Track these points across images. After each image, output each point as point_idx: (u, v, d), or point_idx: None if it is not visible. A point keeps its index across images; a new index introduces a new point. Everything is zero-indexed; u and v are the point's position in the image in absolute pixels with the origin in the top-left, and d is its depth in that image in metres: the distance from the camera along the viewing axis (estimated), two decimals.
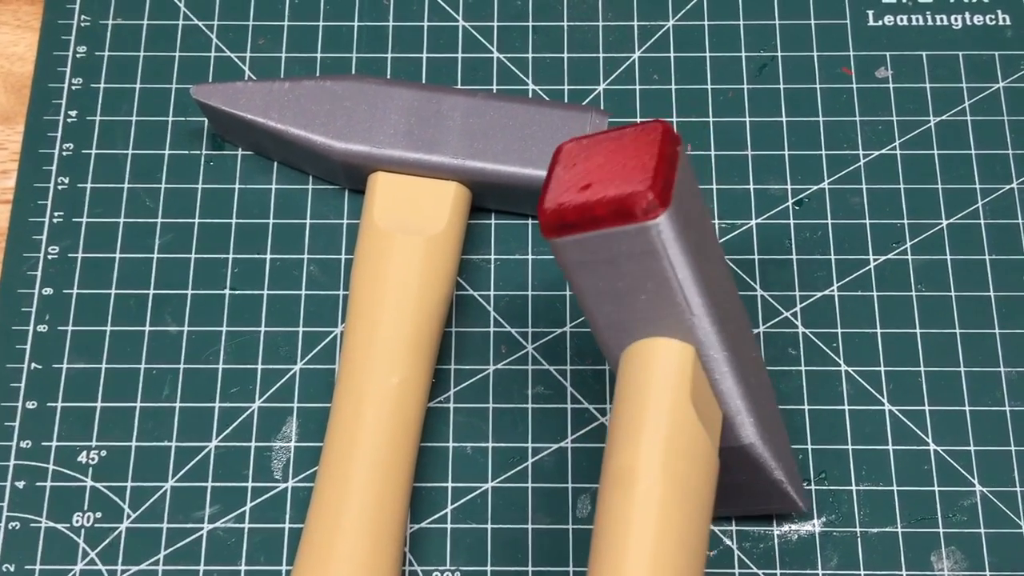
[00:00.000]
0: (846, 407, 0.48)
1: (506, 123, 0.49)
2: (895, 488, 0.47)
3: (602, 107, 0.53)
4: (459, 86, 0.54)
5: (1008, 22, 0.55)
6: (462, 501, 0.47)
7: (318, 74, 0.54)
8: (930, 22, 0.55)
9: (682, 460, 0.37)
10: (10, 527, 0.47)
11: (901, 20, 0.55)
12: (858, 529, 0.47)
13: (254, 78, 0.54)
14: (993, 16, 0.55)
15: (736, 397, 0.41)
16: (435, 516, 0.47)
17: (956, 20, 0.55)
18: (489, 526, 0.47)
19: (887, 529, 0.47)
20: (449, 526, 0.47)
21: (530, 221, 0.52)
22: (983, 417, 0.48)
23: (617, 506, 0.37)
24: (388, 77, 0.54)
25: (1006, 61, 0.54)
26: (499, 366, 0.50)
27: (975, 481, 0.47)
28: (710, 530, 0.40)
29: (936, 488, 0.47)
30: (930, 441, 0.48)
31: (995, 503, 0.47)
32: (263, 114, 0.49)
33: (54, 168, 0.53)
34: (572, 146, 0.39)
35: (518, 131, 0.49)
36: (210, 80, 0.54)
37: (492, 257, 0.51)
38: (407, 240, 0.47)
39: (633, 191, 0.35)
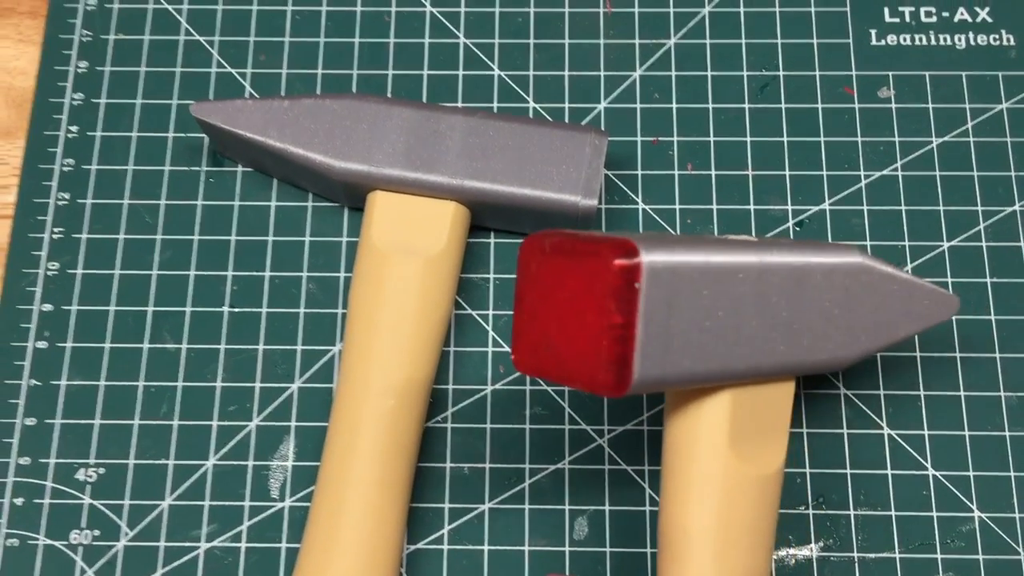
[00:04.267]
0: (845, 431, 0.48)
1: (505, 143, 0.49)
2: (893, 513, 0.47)
3: (602, 126, 0.53)
4: (460, 103, 0.54)
5: (1012, 42, 0.54)
6: (459, 522, 0.47)
7: (319, 90, 0.54)
8: (933, 42, 0.55)
9: (728, 508, 0.38)
10: (8, 544, 0.47)
11: (904, 40, 0.55)
12: (856, 554, 0.46)
13: (255, 94, 0.54)
14: (997, 36, 0.55)
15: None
16: (432, 537, 0.47)
17: (959, 40, 0.55)
18: (486, 547, 0.47)
19: (885, 554, 0.46)
20: (446, 547, 0.47)
21: None
22: (983, 442, 0.48)
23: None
24: (388, 94, 0.54)
25: (1009, 82, 0.54)
26: (497, 386, 0.49)
27: (974, 507, 0.47)
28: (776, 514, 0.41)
29: (935, 513, 0.47)
30: (929, 466, 0.48)
31: (994, 529, 0.47)
32: (262, 132, 0.49)
33: (54, 184, 0.53)
34: (532, 261, 0.37)
35: (517, 151, 0.48)
36: (211, 95, 0.54)
37: (491, 276, 0.51)
38: (405, 260, 0.47)
39: (594, 380, 0.35)
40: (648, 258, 0.35)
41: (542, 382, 0.49)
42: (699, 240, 0.37)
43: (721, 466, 0.38)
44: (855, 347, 0.41)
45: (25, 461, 0.48)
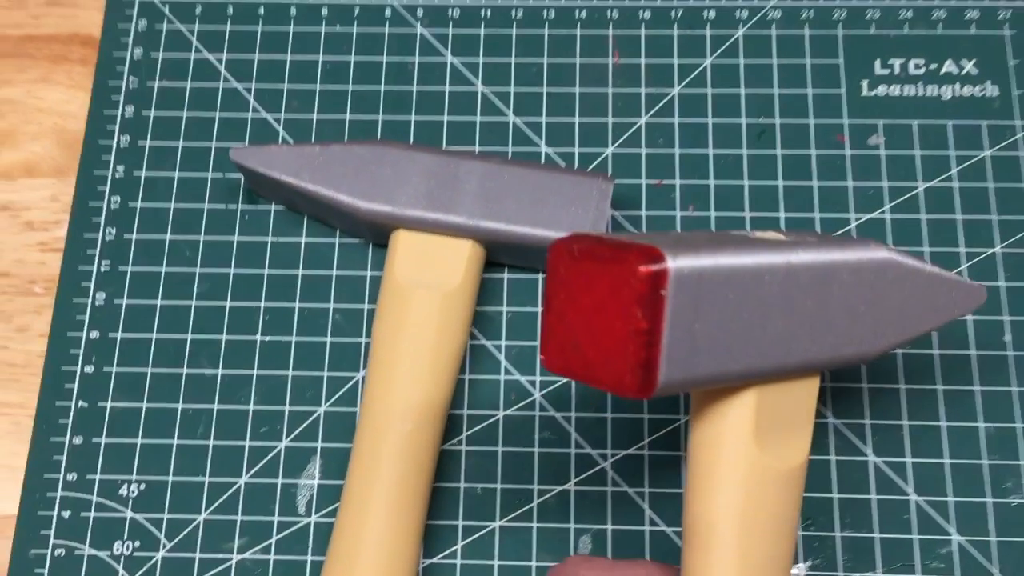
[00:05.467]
0: (832, 458, 0.51)
1: (519, 187, 0.52)
2: (876, 535, 0.50)
3: (610, 169, 0.56)
4: (477, 147, 0.57)
5: (996, 93, 0.57)
6: (472, 538, 0.50)
7: (347, 134, 0.57)
8: (921, 93, 0.57)
9: (752, 502, 0.38)
10: (56, 554, 0.50)
11: (894, 90, 0.57)
12: (841, 573, 0.49)
13: (288, 137, 0.58)
14: (981, 87, 0.58)
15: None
16: (446, 552, 0.50)
17: (946, 91, 0.58)
18: (496, 562, 0.50)
19: (868, 574, 0.49)
20: (459, 562, 0.50)
21: (540, 276, 0.55)
22: (962, 470, 0.51)
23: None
24: (411, 138, 0.57)
25: (992, 131, 0.56)
26: (508, 412, 0.52)
27: (952, 530, 0.50)
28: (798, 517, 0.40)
29: (915, 536, 0.50)
30: (911, 491, 0.50)
31: (970, 552, 0.49)
32: (295, 175, 0.53)
33: (102, 220, 0.56)
34: (561, 264, 0.37)
35: (530, 194, 0.52)
36: (247, 138, 0.58)
37: (504, 309, 0.54)
38: (425, 295, 0.50)
39: (620, 382, 0.34)
40: (674, 264, 0.34)
41: (551, 409, 0.52)
42: (725, 241, 0.37)
43: (747, 461, 0.38)
44: (881, 341, 0.40)
45: (72, 477, 0.52)
